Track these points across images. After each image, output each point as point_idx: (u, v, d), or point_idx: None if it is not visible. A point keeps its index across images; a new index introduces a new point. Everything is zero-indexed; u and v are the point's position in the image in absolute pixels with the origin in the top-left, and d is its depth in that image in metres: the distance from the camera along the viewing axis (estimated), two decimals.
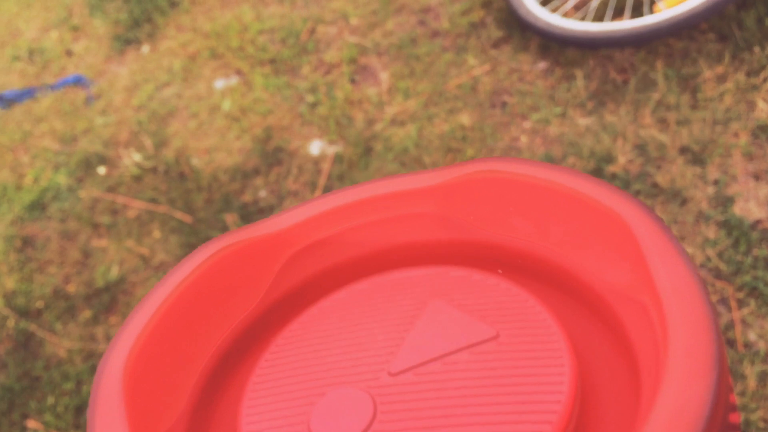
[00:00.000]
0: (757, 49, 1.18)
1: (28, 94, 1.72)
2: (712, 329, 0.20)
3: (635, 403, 0.25)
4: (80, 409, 1.10)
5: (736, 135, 1.10)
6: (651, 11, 1.27)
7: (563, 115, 1.22)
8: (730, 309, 0.93)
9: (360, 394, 0.24)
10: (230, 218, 1.28)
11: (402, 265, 0.32)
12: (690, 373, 0.18)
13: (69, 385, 1.13)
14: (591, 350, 0.26)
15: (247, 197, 1.30)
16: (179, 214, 1.31)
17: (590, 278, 0.27)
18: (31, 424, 1.10)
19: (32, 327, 1.23)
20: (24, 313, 1.26)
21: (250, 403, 0.26)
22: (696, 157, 1.09)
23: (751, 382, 0.86)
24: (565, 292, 0.27)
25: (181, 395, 0.26)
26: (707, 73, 1.18)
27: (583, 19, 1.33)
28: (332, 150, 1.32)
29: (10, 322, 1.25)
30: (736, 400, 0.22)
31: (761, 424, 0.83)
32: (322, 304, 0.29)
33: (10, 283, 1.31)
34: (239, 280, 0.29)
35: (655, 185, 1.08)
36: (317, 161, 1.32)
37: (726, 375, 0.20)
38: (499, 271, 0.31)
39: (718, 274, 0.96)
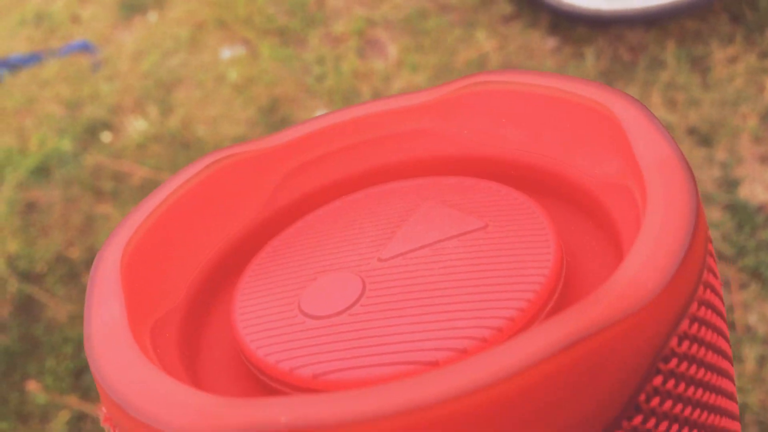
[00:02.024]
0: None
1: (34, 59, 1.71)
2: (690, 189, 0.21)
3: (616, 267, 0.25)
4: (80, 372, 1.11)
5: (744, 117, 1.09)
6: None
7: None
8: (731, 291, 0.92)
9: (350, 276, 0.25)
10: None
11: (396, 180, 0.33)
12: (667, 219, 0.20)
13: (69, 349, 1.13)
14: (577, 238, 0.27)
15: None
16: None
17: (580, 177, 0.27)
18: (31, 386, 1.11)
19: (34, 290, 1.24)
20: (26, 276, 1.27)
21: (244, 289, 0.26)
22: (703, 138, 1.08)
23: (750, 365, 0.86)
24: (557, 197, 0.28)
25: (178, 287, 0.26)
26: (718, 54, 1.17)
27: None
28: None
29: (12, 285, 1.25)
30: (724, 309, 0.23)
31: (757, 407, 0.83)
32: (316, 212, 0.30)
33: (13, 246, 1.32)
34: (236, 192, 0.30)
35: None
36: None
37: (703, 223, 0.20)
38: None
39: (720, 257, 0.96)
